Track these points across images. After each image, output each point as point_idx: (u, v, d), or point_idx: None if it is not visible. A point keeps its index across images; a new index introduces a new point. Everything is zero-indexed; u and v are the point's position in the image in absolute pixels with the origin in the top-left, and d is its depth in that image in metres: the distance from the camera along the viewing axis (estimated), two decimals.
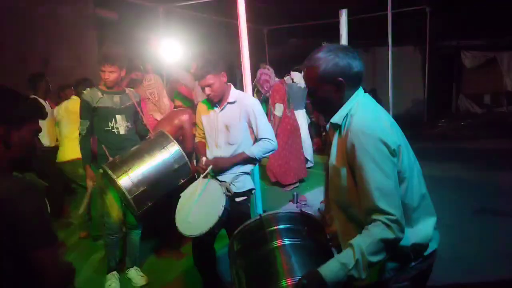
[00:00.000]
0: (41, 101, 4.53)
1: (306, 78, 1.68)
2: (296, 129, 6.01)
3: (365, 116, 1.55)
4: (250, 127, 2.81)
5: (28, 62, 5.30)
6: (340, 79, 1.58)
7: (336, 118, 1.63)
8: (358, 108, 1.59)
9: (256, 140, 2.82)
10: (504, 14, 9.48)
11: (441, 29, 10.55)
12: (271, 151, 2.82)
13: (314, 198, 5.16)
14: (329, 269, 1.43)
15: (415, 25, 10.34)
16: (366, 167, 1.46)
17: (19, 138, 1.33)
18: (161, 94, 4.71)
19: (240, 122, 2.77)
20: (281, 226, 1.76)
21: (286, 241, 1.69)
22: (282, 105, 5.74)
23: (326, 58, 1.58)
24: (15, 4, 5.22)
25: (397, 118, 1.77)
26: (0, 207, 1.20)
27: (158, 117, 4.45)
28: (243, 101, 2.80)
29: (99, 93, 3.21)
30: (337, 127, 1.64)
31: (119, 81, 3.27)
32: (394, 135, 1.54)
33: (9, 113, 1.32)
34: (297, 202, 5.12)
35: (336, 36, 4.26)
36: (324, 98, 1.65)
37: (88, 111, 3.20)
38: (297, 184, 5.93)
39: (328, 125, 1.70)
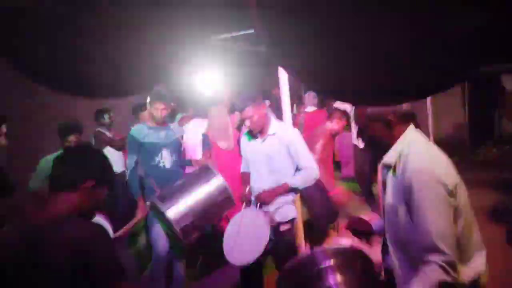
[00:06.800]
0: (107, 133, 4.86)
1: (355, 117, 1.71)
2: None
3: (422, 155, 1.55)
4: (291, 156, 2.88)
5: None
6: (390, 117, 1.59)
7: (389, 158, 1.63)
8: (411, 146, 1.58)
9: (297, 169, 2.89)
10: None
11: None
12: (313, 179, 2.90)
13: None
14: None
15: None
16: (424, 208, 1.47)
17: (99, 194, 1.54)
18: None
19: (281, 152, 2.87)
20: (333, 263, 1.74)
21: (338, 279, 1.69)
22: None
23: None
24: None
25: (437, 143, 1.76)
26: (77, 247, 1.33)
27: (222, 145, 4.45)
28: (284, 132, 2.91)
29: (146, 129, 3.39)
30: (389, 166, 1.64)
31: (167, 117, 3.46)
32: (452, 173, 1.54)
33: (103, 174, 1.56)
34: (338, 232, 5.06)
35: None
36: (374, 137, 1.66)
37: (135, 147, 3.39)
38: None
39: (380, 165, 1.71)
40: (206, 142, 4.14)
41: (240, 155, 3.96)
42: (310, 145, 3.84)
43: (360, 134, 1.73)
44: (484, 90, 11.97)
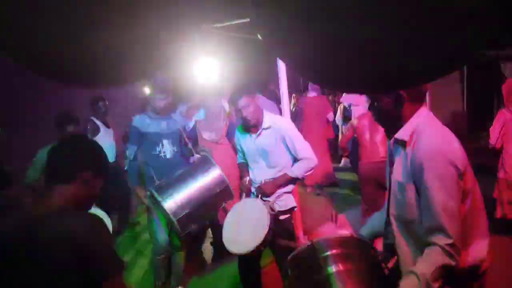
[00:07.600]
0: (98, 122, 4.84)
1: None
2: None
3: (435, 136, 1.56)
4: (288, 148, 2.89)
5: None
6: (401, 93, 1.60)
7: (401, 134, 1.64)
8: (425, 126, 1.59)
9: (295, 160, 2.90)
10: None
11: None
12: (312, 168, 2.92)
13: (352, 218, 5.08)
14: None
15: None
16: (434, 187, 1.48)
17: (96, 184, 1.52)
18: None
19: (278, 146, 2.87)
20: (334, 251, 1.76)
21: (340, 267, 1.69)
22: None
23: None
24: None
25: None
26: (75, 239, 1.32)
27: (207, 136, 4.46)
28: (278, 125, 2.90)
29: (148, 119, 3.39)
30: (402, 143, 1.65)
31: (168, 107, 3.45)
32: (463, 156, 1.55)
33: (99, 164, 1.54)
34: (336, 222, 5.08)
35: None
36: (383, 110, 1.67)
37: (137, 137, 3.39)
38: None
39: (391, 140, 1.71)
40: (193, 132, 4.14)
41: (229, 147, 3.98)
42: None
43: (371, 107, 1.74)
44: (482, 78, 11.93)
